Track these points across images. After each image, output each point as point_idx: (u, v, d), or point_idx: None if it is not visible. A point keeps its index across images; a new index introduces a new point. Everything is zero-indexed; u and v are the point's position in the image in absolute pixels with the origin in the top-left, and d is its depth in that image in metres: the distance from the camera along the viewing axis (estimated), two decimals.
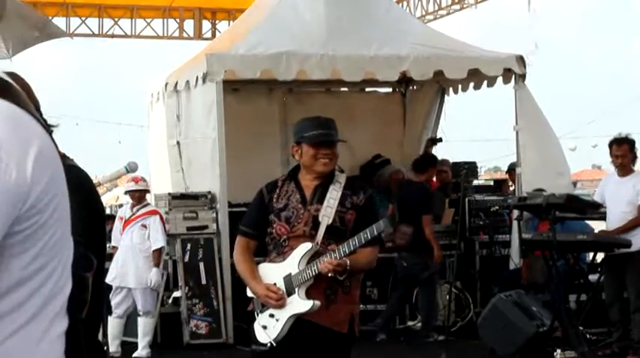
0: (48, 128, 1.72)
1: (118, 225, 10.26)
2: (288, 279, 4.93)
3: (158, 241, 10.01)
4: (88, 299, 3.79)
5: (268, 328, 4.96)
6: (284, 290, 4.92)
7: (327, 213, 4.92)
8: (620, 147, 9.60)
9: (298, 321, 4.90)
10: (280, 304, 4.90)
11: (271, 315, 4.96)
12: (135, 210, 10.13)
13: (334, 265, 4.79)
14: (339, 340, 4.91)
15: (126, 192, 10.40)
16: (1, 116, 1.59)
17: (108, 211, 14.15)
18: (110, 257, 9.88)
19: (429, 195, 10.85)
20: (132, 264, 9.93)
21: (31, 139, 1.61)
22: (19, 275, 1.59)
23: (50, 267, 1.64)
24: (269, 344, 4.92)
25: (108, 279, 9.71)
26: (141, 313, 9.97)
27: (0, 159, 1.54)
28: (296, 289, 4.90)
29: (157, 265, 10.00)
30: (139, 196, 10.18)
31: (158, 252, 10.02)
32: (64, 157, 4.00)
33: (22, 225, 1.58)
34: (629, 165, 9.65)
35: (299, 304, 4.89)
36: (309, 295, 4.89)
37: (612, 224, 9.50)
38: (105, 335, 9.80)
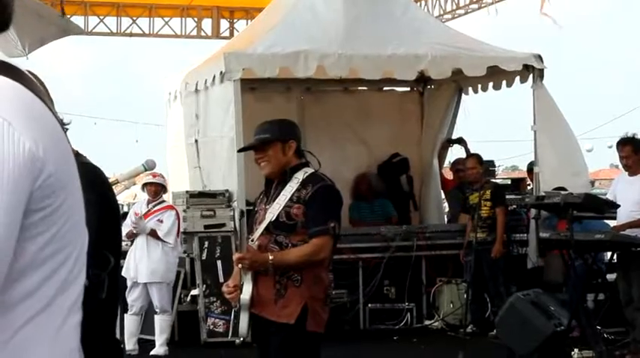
0: (61, 122, 1.71)
1: (133, 219, 10.21)
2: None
3: (169, 236, 9.93)
4: (103, 297, 3.78)
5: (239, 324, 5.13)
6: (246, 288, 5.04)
7: (274, 209, 5.02)
8: (624, 148, 9.55)
9: (253, 317, 5.01)
10: (232, 297, 5.10)
11: (236, 312, 5.16)
12: (151, 206, 10.16)
13: (246, 257, 4.95)
14: (283, 330, 4.93)
15: (143, 185, 10.42)
16: (10, 95, 1.57)
17: (125, 209, 14.16)
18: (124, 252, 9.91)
19: None
20: (146, 260, 9.91)
21: (40, 120, 1.59)
22: (32, 258, 1.58)
23: (64, 254, 1.63)
24: (237, 341, 5.07)
25: (123, 273, 9.72)
26: (158, 310, 10.01)
27: (14, 130, 1.52)
28: (243, 285, 5.02)
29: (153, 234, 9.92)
30: (154, 190, 10.19)
31: (158, 236, 9.92)
32: (77, 155, 4.01)
33: (37, 205, 1.56)
34: (635, 166, 9.55)
35: (242, 298, 5.02)
36: (258, 290, 4.98)
37: (621, 223, 9.47)
38: (121, 332, 9.86)
